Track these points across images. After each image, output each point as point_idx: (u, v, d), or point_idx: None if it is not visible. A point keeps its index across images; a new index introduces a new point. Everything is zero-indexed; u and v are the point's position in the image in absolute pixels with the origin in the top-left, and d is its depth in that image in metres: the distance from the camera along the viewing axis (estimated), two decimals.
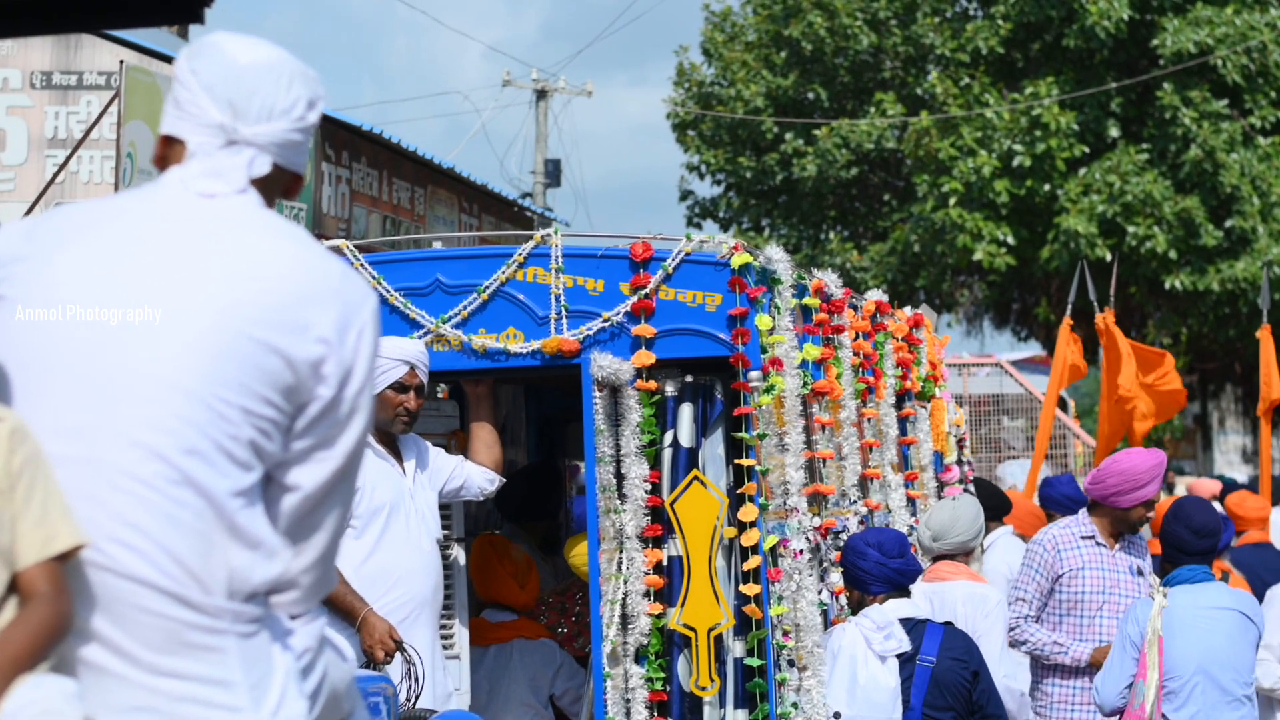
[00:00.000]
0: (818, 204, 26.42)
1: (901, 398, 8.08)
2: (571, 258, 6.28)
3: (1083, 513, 7.43)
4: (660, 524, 6.11)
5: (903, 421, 8.06)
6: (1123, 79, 23.69)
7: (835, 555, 6.60)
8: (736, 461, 6.14)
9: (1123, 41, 23.41)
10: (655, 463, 6.15)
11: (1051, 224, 23.39)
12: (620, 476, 6.12)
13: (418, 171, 16.81)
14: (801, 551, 6.13)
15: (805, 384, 6.37)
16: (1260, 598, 7.24)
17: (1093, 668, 7.13)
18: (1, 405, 2.76)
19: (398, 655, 5.94)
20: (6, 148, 13.99)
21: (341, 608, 5.96)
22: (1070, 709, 7.32)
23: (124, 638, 2.72)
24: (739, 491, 6.10)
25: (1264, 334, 12.16)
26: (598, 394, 6.14)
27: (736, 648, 6.10)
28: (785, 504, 6.16)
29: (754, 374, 6.11)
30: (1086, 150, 23.46)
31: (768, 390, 6.10)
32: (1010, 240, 23.57)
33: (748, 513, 6.05)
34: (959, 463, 9.12)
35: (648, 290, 6.18)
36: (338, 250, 6.40)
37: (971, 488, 8.97)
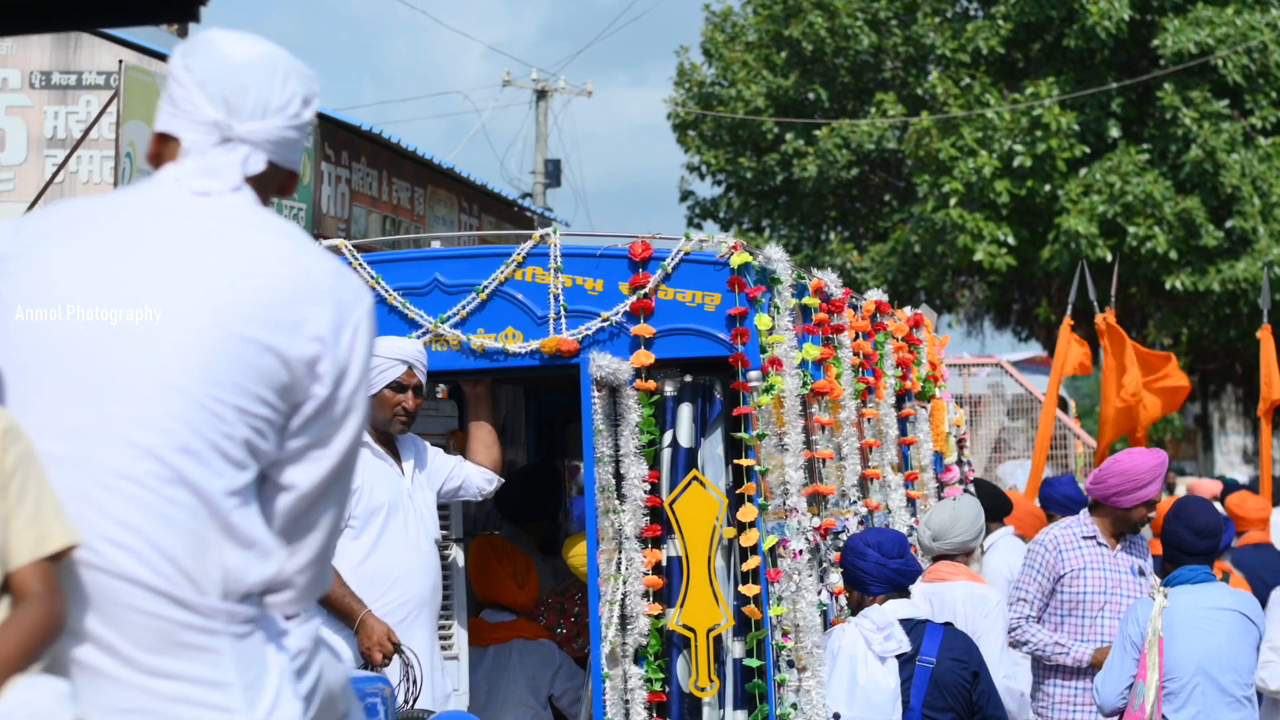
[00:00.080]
0: (818, 204, 26.42)
1: (901, 398, 8.07)
2: (570, 257, 6.27)
3: (1084, 513, 7.42)
4: (659, 524, 6.10)
5: (902, 422, 8.05)
6: (1123, 79, 23.68)
7: (835, 556, 6.59)
8: (736, 462, 6.13)
9: (1123, 42, 23.40)
10: (654, 463, 6.13)
11: (1052, 224, 23.38)
12: (619, 477, 6.11)
13: (417, 171, 16.80)
14: (801, 552, 6.12)
15: (805, 384, 6.36)
16: (1261, 598, 7.22)
17: (1094, 668, 7.12)
18: None
19: (396, 657, 5.93)
20: (6, 147, 13.98)
21: (339, 609, 5.94)
22: (1072, 710, 7.30)
23: (117, 638, 2.70)
24: (738, 492, 6.09)
25: (1264, 334, 12.15)
26: (596, 394, 6.13)
27: (736, 648, 6.08)
28: (785, 504, 6.14)
29: (753, 374, 6.10)
30: (1087, 150, 23.46)
31: (767, 390, 6.09)
32: (1011, 241, 23.56)
33: (747, 513, 6.03)
34: (959, 463, 9.11)
35: (647, 290, 6.16)
36: (336, 250, 6.38)
37: (971, 488, 8.96)
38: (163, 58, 13.34)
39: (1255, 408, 13.72)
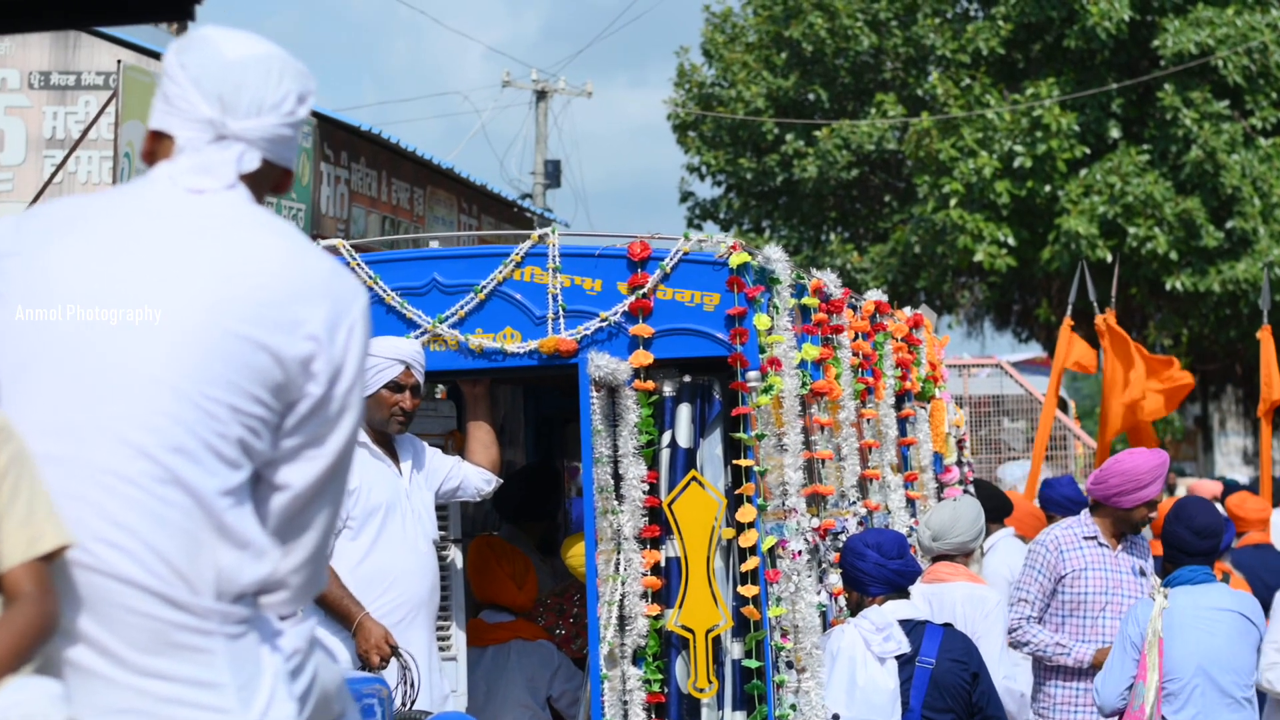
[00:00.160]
0: (818, 205, 26.42)
1: (901, 398, 8.06)
2: (569, 257, 6.25)
3: (1085, 513, 7.41)
4: (658, 525, 6.08)
5: (902, 422, 8.03)
6: (1124, 80, 23.67)
7: (834, 556, 6.57)
8: (735, 462, 6.11)
9: (1123, 42, 23.40)
10: (653, 463, 6.12)
11: (1052, 225, 23.38)
12: (618, 477, 6.09)
13: (417, 172, 16.79)
14: (800, 553, 6.10)
15: (804, 384, 6.34)
16: (1261, 599, 7.21)
17: (1095, 669, 7.10)
18: None
19: (393, 660, 5.91)
20: (4, 148, 13.97)
21: (337, 611, 5.93)
22: (1073, 711, 7.29)
23: (110, 638, 2.69)
24: (737, 492, 6.07)
25: (1264, 335, 12.14)
26: (595, 394, 6.11)
27: (735, 649, 6.07)
28: (784, 505, 6.13)
29: (752, 374, 6.08)
30: (1087, 151, 23.45)
31: (766, 390, 6.07)
32: (1011, 241, 23.56)
33: (746, 514, 6.02)
34: (959, 464, 9.10)
35: (645, 290, 6.15)
36: (333, 249, 6.37)
37: (971, 489, 8.94)
38: (161, 58, 13.31)
39: (1255, 408, 13.71)
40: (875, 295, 7.88)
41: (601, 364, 6.09)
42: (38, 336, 2.78)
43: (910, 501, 7.91)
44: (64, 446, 2.72)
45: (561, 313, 6.22)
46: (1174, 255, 22.91)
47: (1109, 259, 21.74)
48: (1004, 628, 7.20)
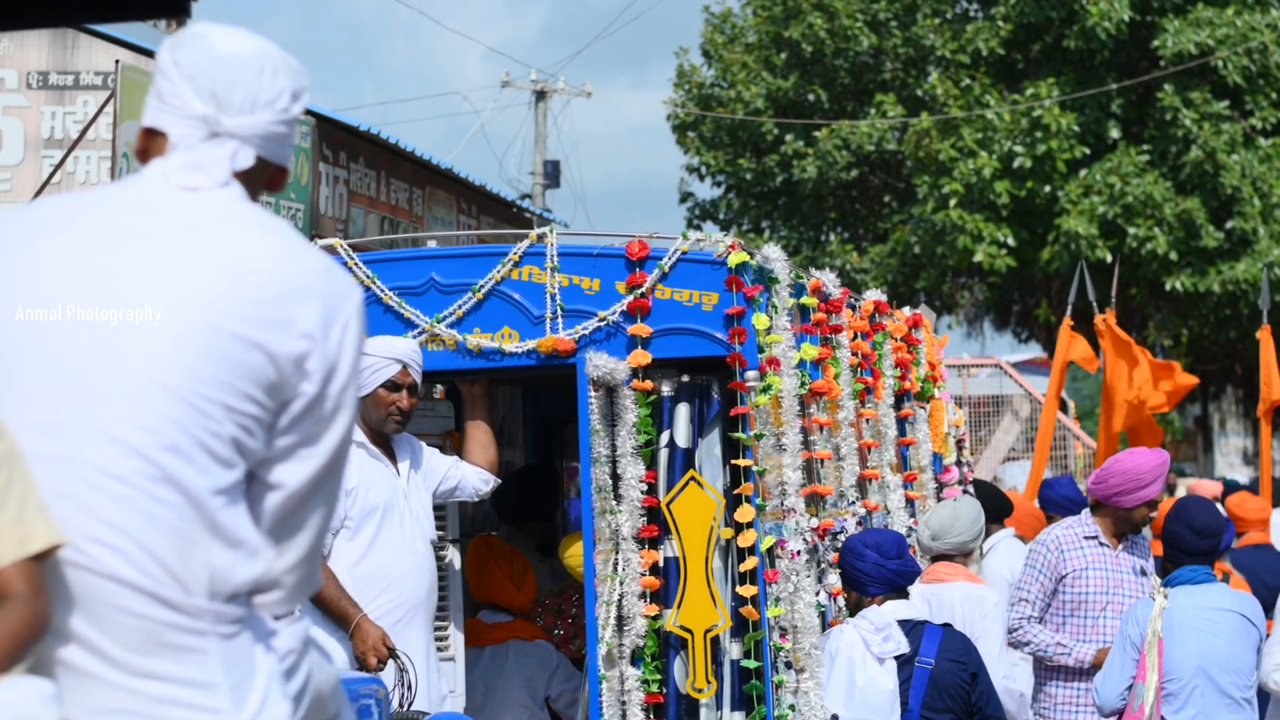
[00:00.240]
0: (818, 206, 26.42)
1: (900, 398, 8.04)
2: (567, 257, 6.24)
3: (1086, 513, 7.40)
4: (656, 525, 6.07)
5: (901, 422, 8.02)
6: (1123, 80, 23.67)
7: (833, 556, 6.56)
8: (733, 462, 6.10)
9: (1123, 42, 23.40)
10: (651, 463, 6.10)
11: (1052, 225, 23.38)
12: (616, 477, 6.08)
13: (416, 172, 16.78)
14: (799, 553, 6.09)
15: (803, 384, 6.33)
16: (1261, 599, 7.19)
17: (1096, 669, 7.09)
18: None
19: (391, 662, 5.89)
20: (3, 148, 13.97)
21: (334, 612, 5.91)
22: (1074, 710, 7.27)
23: (103, 638, 2.67)
24: (736, 492, 6.06)
25: (1264, 335, 12.13)
26: (593, 394, 6.10)
27: (733, 649, 6.05)
28: (782, 505, 6.11)
29: (751, 374, 6.07)
30: (1087, 151, 23.45)
31: (765, 390, 6.06)
32: (1011, 242, 23.56)
33: (744, 513, 6.00)
34: (958, 464, 9.08)
35: (644, 289, 6.13)
36: (331, 249, 6.35)
37: (971, 489, 8.93)
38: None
39: (1255, 409, 13.70)
40: (874, 295, 7.87)
41: (600, 364, 6.08)
42: (29, 334, 2.76)
43: (909, 501, 7.89)
44: (56, 445, 2.70)
45: (560, 312, 6.21)
46: (1174, 255, 22.91)
47: (1109, 259, 21.74)
48: (1003, 628, 7.19)
